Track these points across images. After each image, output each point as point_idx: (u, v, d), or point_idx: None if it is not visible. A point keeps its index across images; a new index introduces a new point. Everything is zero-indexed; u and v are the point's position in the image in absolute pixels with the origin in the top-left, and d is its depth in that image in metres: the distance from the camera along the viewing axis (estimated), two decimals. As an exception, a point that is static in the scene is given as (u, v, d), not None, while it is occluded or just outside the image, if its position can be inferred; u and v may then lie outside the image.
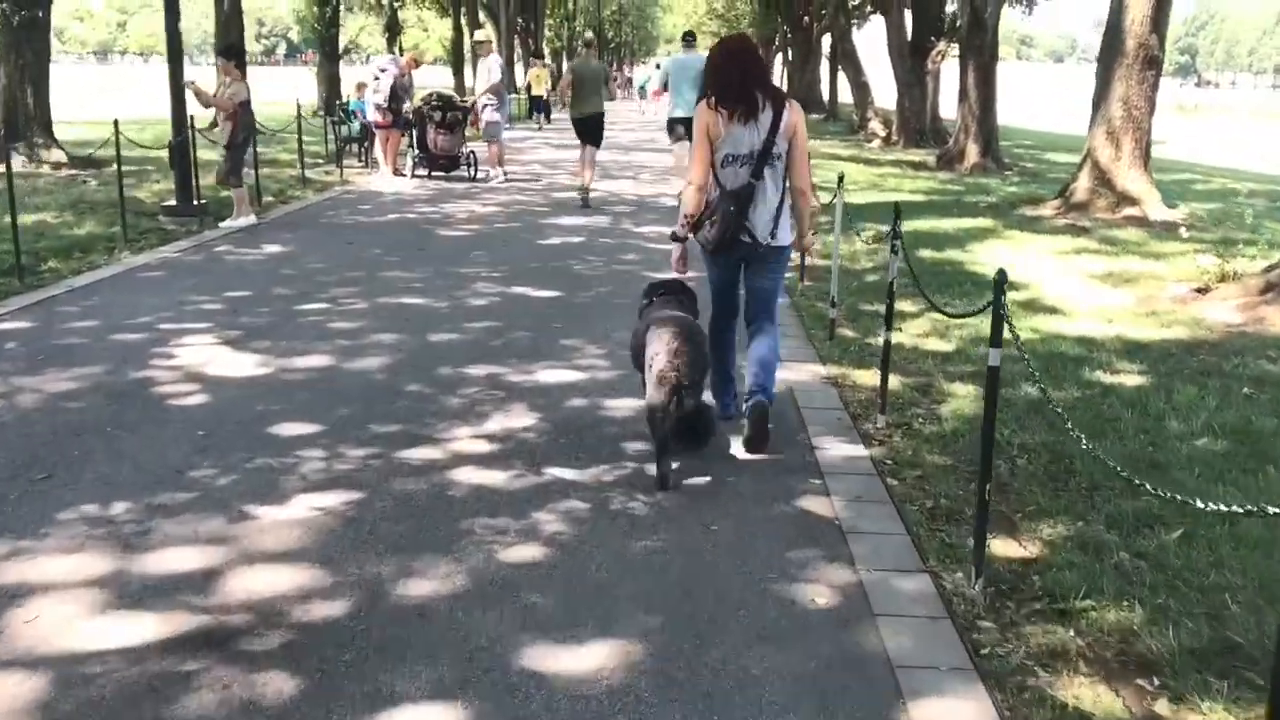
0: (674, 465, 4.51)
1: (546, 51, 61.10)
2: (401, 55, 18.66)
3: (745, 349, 5.12)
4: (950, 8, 28.40)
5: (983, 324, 7.76)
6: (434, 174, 16.15)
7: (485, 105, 15.78)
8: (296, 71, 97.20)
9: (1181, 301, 8.52)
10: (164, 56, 11.44)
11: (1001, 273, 3.60)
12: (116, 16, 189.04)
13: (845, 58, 34.35)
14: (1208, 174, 22.98)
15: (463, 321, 7.22)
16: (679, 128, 13.36)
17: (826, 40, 44.17)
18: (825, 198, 12.01)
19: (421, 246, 10.14)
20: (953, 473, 4.72)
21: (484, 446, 4.81)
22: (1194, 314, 8.05)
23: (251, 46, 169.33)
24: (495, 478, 4.45)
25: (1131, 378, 6.27)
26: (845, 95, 40.57)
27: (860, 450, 4.99)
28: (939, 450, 5.01)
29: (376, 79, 15.96)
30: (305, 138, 17.34)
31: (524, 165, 18.94)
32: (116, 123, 10.33)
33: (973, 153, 20.75)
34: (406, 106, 15.76)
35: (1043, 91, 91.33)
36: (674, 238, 4.95)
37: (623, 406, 5.49)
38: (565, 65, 32.66)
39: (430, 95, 15.75)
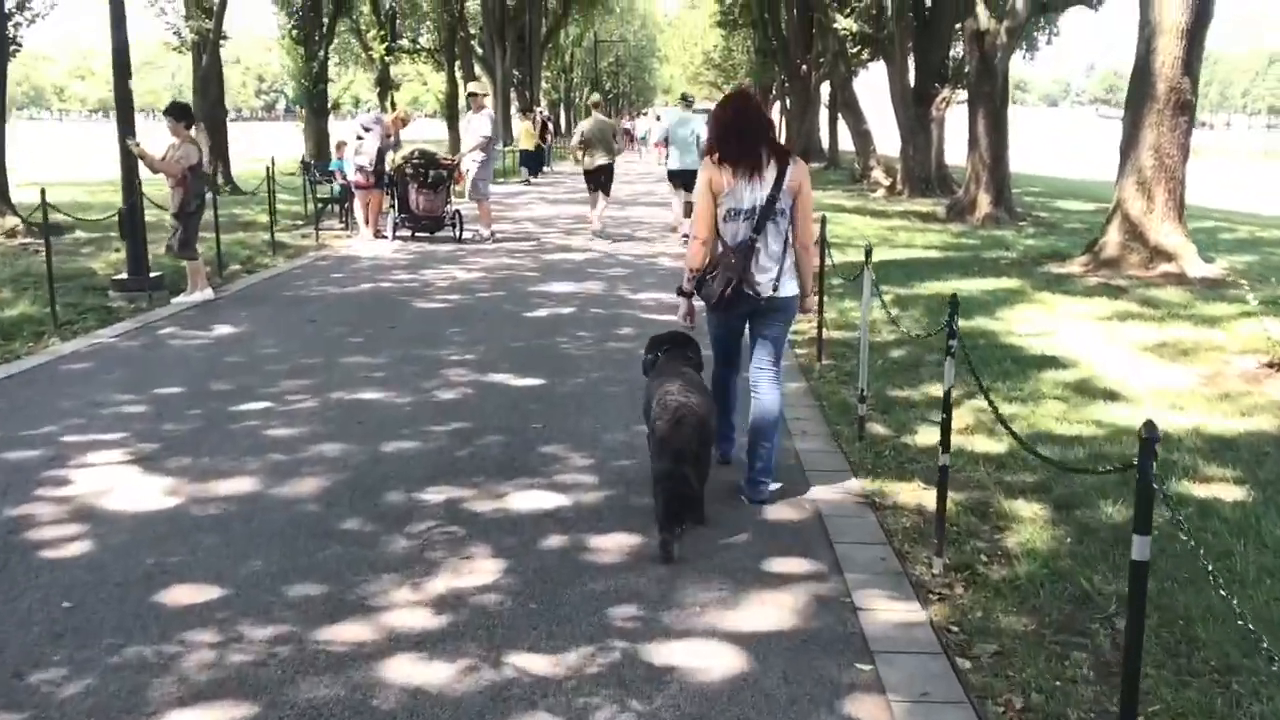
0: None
1: (544, 103, 60.66)
2: (391, 111, 17.63)
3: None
4: (955, 53, 27.70)
5: (1034, 413, 6.83)
6: (417, 235, 15.17)
7: (472, 164, 14.84)
8: (295, 127, 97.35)
9: (1254, 379, 7.44)
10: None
11: (1150, 428, 2.50)
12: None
13: (846, 106, 33.61)
14: (1228, 219, 22.05)
15: (426, 423, 6.14)
16: (676, 179, 15.23)
17: (825, 88, 43.60)
18: (839, 256, 11.06)
19: (392, 323, 9.09)
20: (1040, 646, 3.62)
21: (428, 619, 3.71)
22: (1275, 396, 6.97)
23: (251, 102, 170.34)
24: (437, 675, 3.34)
25: (1227, 488, 5.18)
26: (845, 143, 39.88)
27: (916, 610, 3.89)
28: (1015, 607, 3.92)
29: (360, 138, 15.04)
30: (287, 197, 16.43)
31: (515, 223, 17.98)
32: (44, 190, 9.31)
33: (984, 203, 19.80)
34: (389, 165, 14.82)
35: (1040, 136, 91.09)
36: (680, 293, 5.09)
37: (612, 547, 4.40)
38: (554, 114, 31.81)
39: (412, 153, 14.81)
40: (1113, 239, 12.87)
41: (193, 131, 9.82)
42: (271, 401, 6.56)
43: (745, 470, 5.08)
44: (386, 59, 34.09)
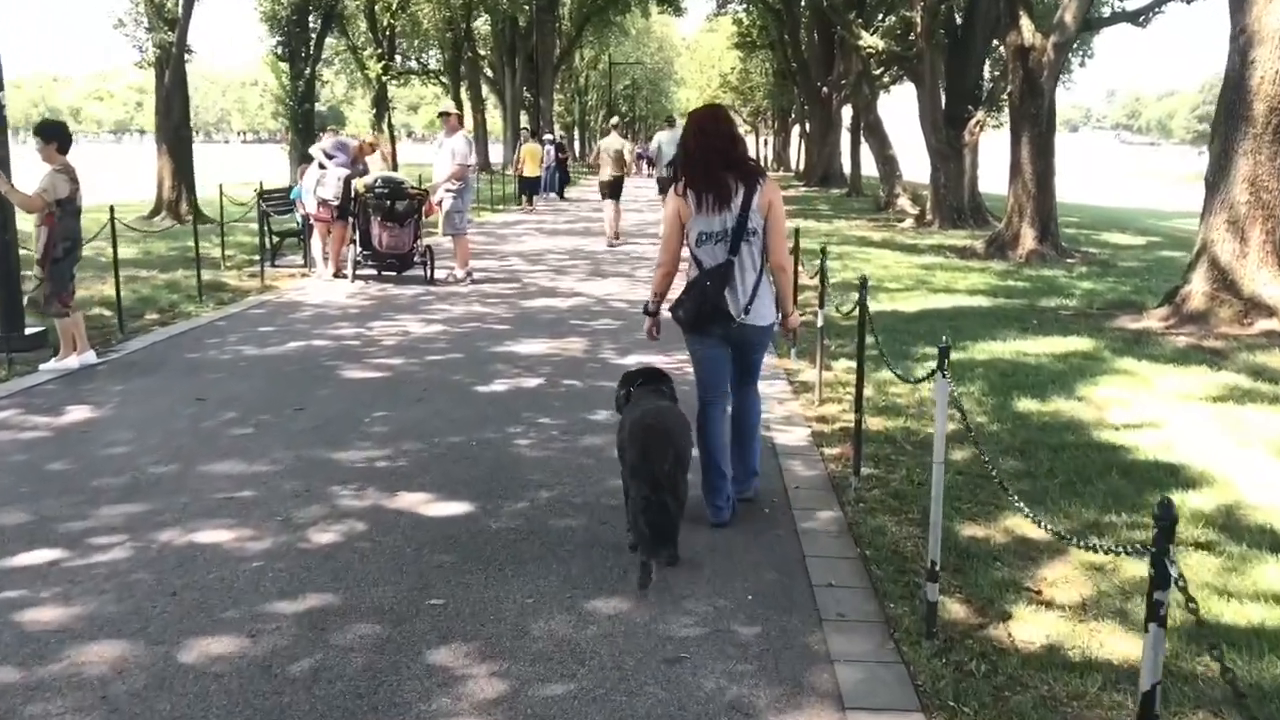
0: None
1: (557, 126, 58.96)
2: (374, 132, 15.40)
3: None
4: (989, 73, 25.66)
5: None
6: (385, 273, 13.19)
7: (445, 193, 12.86)
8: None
9: None
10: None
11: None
12: (135, 96, 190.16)
13: (869, 130, 31.58)
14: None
15: (271, 597, 4.10)
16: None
17: (847, 111, 41.66)
18: (875, 303, 8.99)
19: (302, 403, 7.06)
20: None
21: None
22: None
23: (269, 124, 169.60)
24: None
25: None
26: (867, 169, 37.86)
27: None
28: None
29: (322, 167, 13.07)
30: (239, 230, 14.48)
31: (501, 260, 15.97)
32: None
33: (1028, 237, 17.72)
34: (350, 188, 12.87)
35: (1065, 163, 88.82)
36: (645, 311, 5.15)
37: None
38: (567, 137, 29.89)
39: (375, 180, 12.84)
40: (1198, 288, 10.76)
41: (69, 157, 7.81)
42: (65, 548, 4.53)
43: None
44: (383, 79, 32.26)
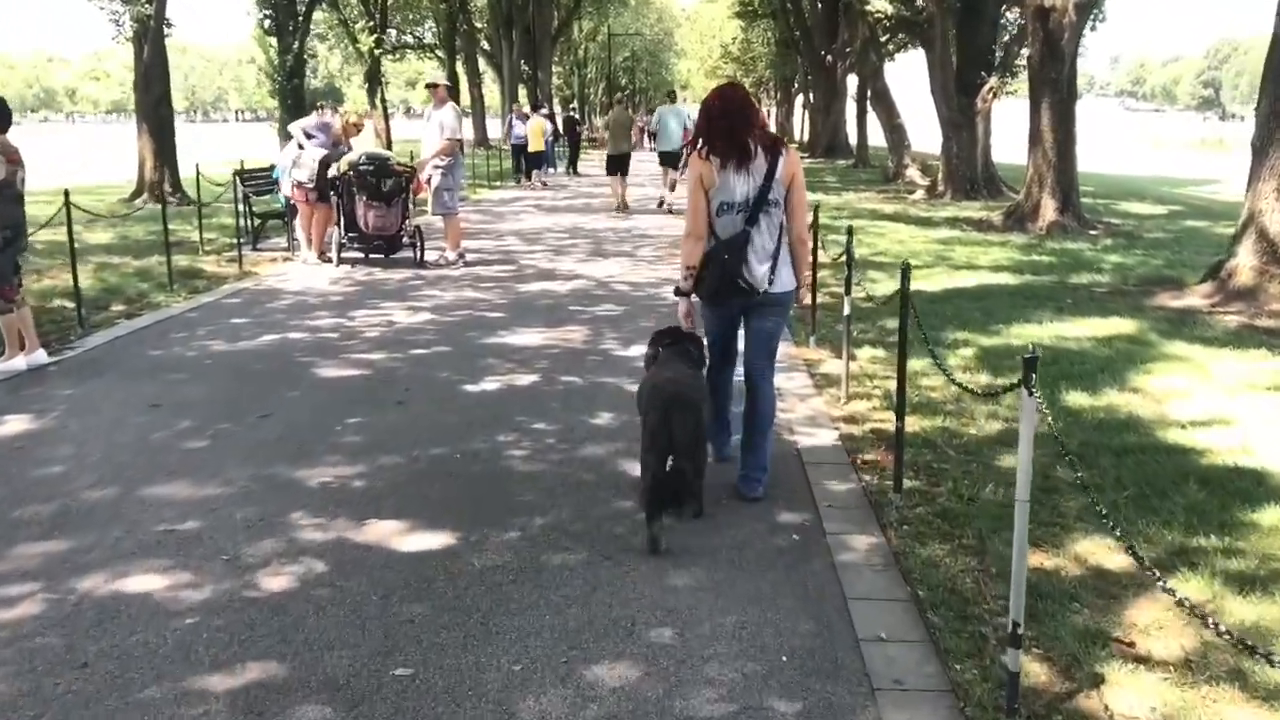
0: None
1: (555, 100, 57.96)
2: (371, 109, 14.33)
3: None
4: (1002, 38, 24.74)
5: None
6: (372, 256, 12.42)
7: (434, 170, 12.07)
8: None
9: None
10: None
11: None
12: (131, 76, 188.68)
13: (877, 98, 30.65)
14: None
15: (198, 670, 3.37)
16: (664, 160, 19.59)
17: (851, 81, 40.69)
18: (884, 283, 8.25)
19: (268, 409, 6.32)
20: None
21: None
22: None
23: (267, 102, 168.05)
24: None
25: None
26: (874, 139, 36.95)
27: None
28: None
29: (301, 147, 12.27)
30: (225, 211, 13.68)
31: (497, 239, 15.18)
32: None
33: (1049, 209, 16.91)
34: (332, 172, 12.08)
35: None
36: (677, 292, 4.98)
37: None
38: (562, 112, 28.91)
39: (359, 158, 12.05)
40: (1246, 262, 9.98)
41: (9, 136, 7.03)
42: (-43, 604, 3.80)
43: (739, 466, 5.02)
44: (375, 52, 31.33)
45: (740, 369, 5.15)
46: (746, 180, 4.66)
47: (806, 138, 51.19)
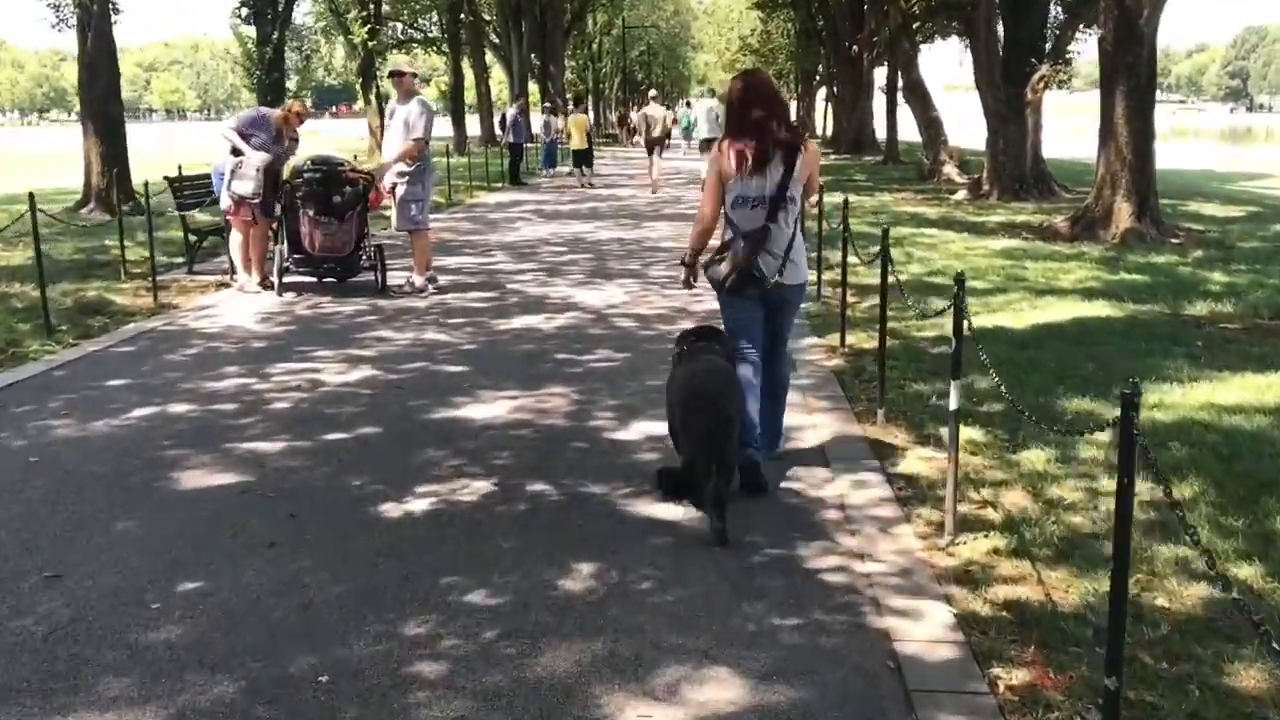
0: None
1: (569, 96, 55.74)
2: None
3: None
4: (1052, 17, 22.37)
5: None
6: (325, 281, 10.23)
7: (399, 177, 9.86)
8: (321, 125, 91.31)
9: None
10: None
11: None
12: (141, 74, 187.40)
13: (910, 90, 28.34)
14: None
15: None
16: (706, 147, 20.50)
17: (879, 72, 38.33)
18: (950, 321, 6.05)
19: (62, 563, 4.12)
20: None
21: None
22: None
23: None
24: None
25: None
26: (904, 133, 34.60)
27: None
28: None
29: (237, 153, 10.03)
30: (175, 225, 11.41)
31: (483, 255, 12.97)
32: None
33: (1124, 213, 14.62)
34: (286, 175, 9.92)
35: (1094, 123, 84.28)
36: (682, 262, 5.24)
37: None
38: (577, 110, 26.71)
39: (303, 163, 9.88)
40: None
41: None
42: None
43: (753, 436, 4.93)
44: (370, 44, 29.14)
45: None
46: (765, 176, 4.72)
47: (830, 132, 48.83)
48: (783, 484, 4.96)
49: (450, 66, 39.59)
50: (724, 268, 4.82)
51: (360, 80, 30.17)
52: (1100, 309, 9.17)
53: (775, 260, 4.81)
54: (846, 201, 7.89)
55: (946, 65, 24.14)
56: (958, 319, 4.15)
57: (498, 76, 55.67)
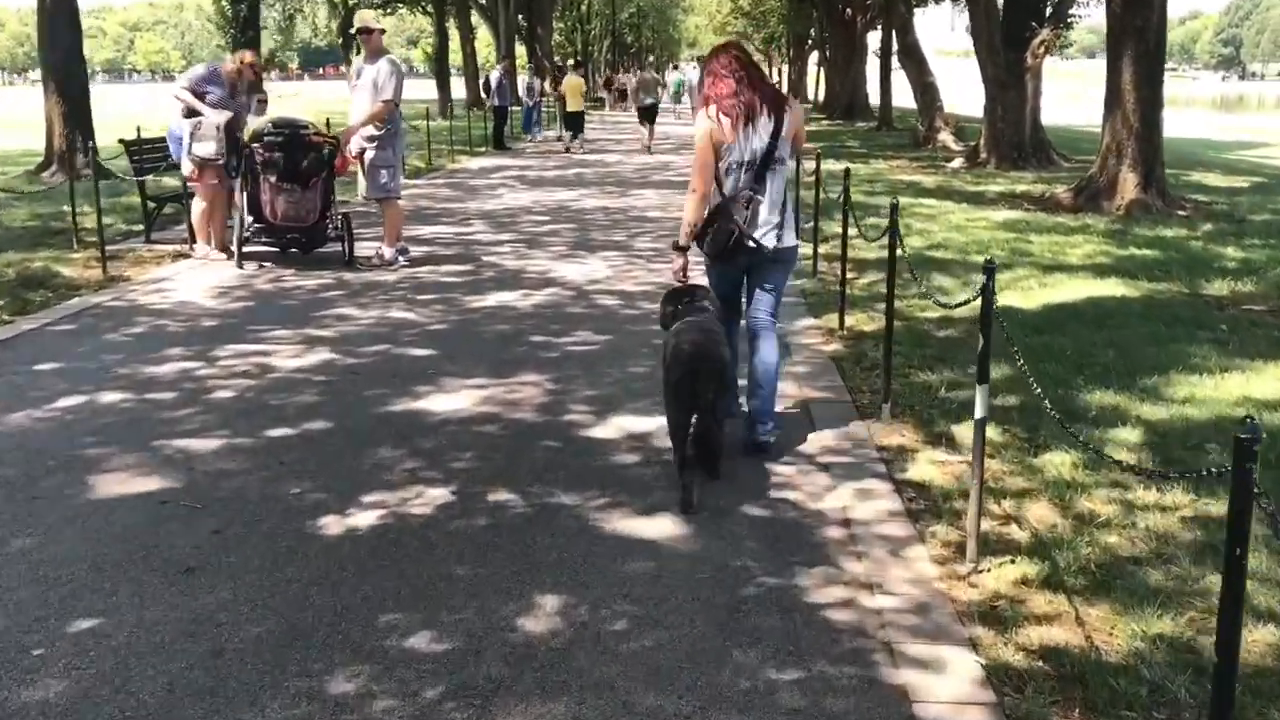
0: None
1: (563, 60, 54.73)
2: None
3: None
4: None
5: None
6: (289, 252, 9.59)
7: (368, 141, 9.20)
8: (312, 87, 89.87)
9: None
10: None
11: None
12: (126, 34, 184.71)
13: (906, 53, 27.62)
14: None
15: None
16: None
17: (873, 36, 37.56)
18: (957, 300, 5.43)
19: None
20: None
21: None
22: None
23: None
24: None
25: None
26: (897, 99, 33.87)
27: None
28: None
29: (193, 114, 9.37)
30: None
31: (460, 224, 12.33)
32: None
33: (1129, 183, 14.05)
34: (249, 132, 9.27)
35: (1090, 90, 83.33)
36: (675, 247, 4.91)
37: None
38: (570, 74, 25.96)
39: (264, 126, 9.22)
40: None
41: None
42: None
43: (746, 420, 4.97)
44: (350, 1, 28.21)
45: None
46: (754, 138, 4.68)
47: (822, 98, 48.03)
48: (778, 493, 4.40)
49: (435, 27, 38.56)
50: (715, 234, 4.72)
51: (340, 40, 29.23)
52: (1114, 287, 8.61)
53: (771, 226, 4.74)
54: (848, 171, 7.28)
55: (938, 30, 23.64)
56: (986, 314, 3.55)
57: (485, 38, 54.60)
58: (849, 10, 37.19)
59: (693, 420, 4.30)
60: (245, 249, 9.30)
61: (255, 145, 9.02)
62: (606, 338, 7.01)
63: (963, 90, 36.51)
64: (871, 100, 38.55)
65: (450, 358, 6.45)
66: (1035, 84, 20.61)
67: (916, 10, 34.37)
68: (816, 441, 5.04)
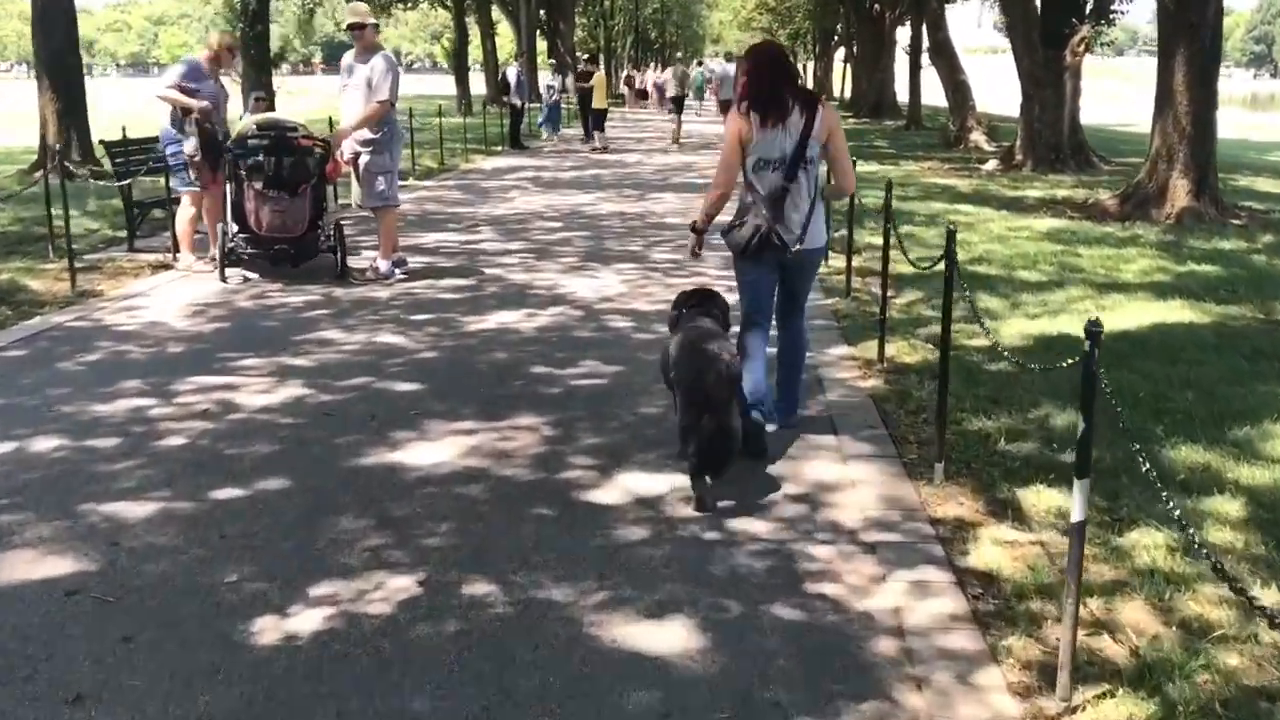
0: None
1: (586, 56, 54.12)
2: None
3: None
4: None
5: None
6: (277, 264, 8.86)
7: (362, 145, 8.47)
8: (319, 82, 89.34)
9: None
10: None
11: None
12: (150, 28, 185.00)
13: (937, 50, 26.74)
14: None
15: None
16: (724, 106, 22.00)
17: (902, 33, 36.60)
18: (1010, 327, 4.66)
19: None
20: None
21: None
22: None
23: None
24: None
25: None
26: (928, 97, 32.94)
27: None
28: None
29: (183, 115, 8.68)
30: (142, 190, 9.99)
31: (466, 230, 11.60)
32: None
33: (1180, 190, 13.20)
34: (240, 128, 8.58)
35: (1121, 88, 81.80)
36: (692, 228, 5.05)
37: None
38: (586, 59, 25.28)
39: (248, 128, 8.51)
40: None
41: None
42: None
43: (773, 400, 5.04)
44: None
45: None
46: (784, 137, 4.65)
47: (848, 95, 47.08)
48: (814, 584, 3.63)
49: (454, 22, 37.86)
50: (744, 232, 4.72)
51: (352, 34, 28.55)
52: (1179, 311, 7.78)
53: (796, 224, 4.73)
54: (889, 185, 6.48)
55: (965, 26, 23.12)
56: (1088, 392, 2.76)
57: (506, 33, 53.87)
58: (877, 6, 36.25)
59: (704, 420, 4.18)
60: (230, 261, 8.58)
61: (234, 151, 8.30)
62: (616, 369, 6.25)
63: (992, 89, 35.58)
64: (899, 98, 37.60)
65: (438, 394, 5.71)
66: (1074, 83, 19.71)
67: (946, 6, 33.44)
68: (858, 508, 4.26)
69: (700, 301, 4.80)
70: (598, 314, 7.67)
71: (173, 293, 8.24)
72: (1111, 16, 20.48)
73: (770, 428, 4.93)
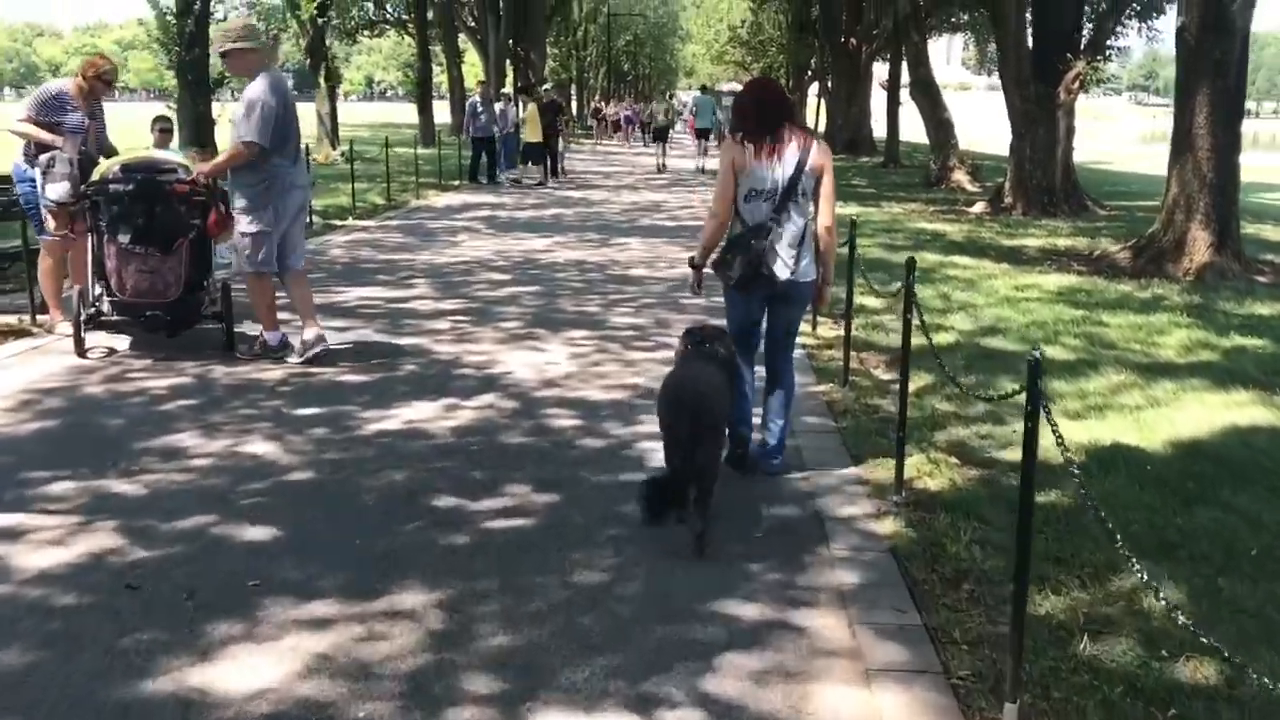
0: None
1: (550, 84, 52.81)
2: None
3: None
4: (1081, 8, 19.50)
5: None
6: (151, 331, 7.24)
7: (238, 198, 6.84)
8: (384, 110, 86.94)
9: None
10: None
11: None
12: (120, 53, 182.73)
13: (919, 87, 25.56)
14: None
15: None
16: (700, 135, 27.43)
17: (878, 68, 35.50)
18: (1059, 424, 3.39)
19: None
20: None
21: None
22: None
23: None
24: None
25: None
26: (905, 133, 31.75)
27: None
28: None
29: (40, 152, 7.13)
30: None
31: (398, 282, 10.03)
32: None
33: (1200, 243, 11.91)
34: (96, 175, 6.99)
35: (1087, 127, 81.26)
36: (691, 265, 5.06)
37: None
38: (562, 97, 23.68)
39: (111, 169, 6.93)
40: None
41: None
42: None
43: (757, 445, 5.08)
44: (320, 21, 26.00)
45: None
46: (777, 168, 4.66)
47: (823, 130, 45.98)
48: None
49: (418, 50, 36.40)
50: (733, 262, 4.73)
51: (308, 61, 26.99)
52: (1249, 407, 6.34)
53: (787, 258, 4.71)
54: (911, 262, 4.96)
55: (934, 62, 22.32)
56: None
57: (474, 60, 52.51)
58: (853, 40, 35.12)
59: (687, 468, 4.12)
60: (97, 324, 6.98)
61: (97, 197, 6.72)
62: (549, 500, 4.70)
63: (961, 127, 34.47)
64: (878, 134, 36.43)
65: (298, 549, 4.13)
66: (1068, 122, 18.53)
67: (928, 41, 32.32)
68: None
69: (706, 339, 4.69)
70: (535, 407, 6.13)
71: (9, 372, 6.62)
72: (1108, 52, 19.29)
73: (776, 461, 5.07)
